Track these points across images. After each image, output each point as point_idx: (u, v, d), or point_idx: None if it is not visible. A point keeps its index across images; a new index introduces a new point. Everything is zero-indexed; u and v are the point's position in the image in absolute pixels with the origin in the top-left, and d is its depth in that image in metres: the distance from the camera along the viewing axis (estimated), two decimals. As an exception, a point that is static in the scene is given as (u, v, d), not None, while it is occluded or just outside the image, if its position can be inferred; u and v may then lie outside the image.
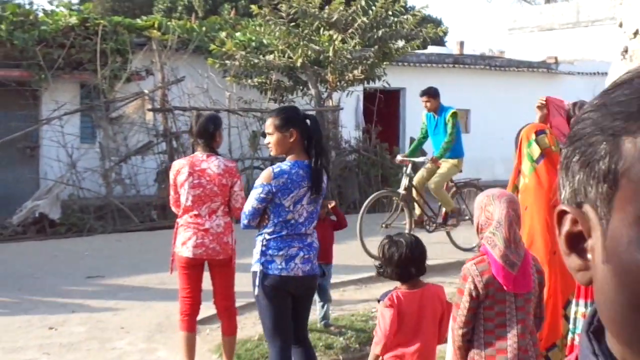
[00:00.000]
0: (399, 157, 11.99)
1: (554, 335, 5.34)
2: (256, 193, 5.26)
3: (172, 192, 6.34)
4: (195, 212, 6.20)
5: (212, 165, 6.19)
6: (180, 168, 6.24)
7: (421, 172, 11.66)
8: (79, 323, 8.14)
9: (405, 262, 4.59)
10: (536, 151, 5.80)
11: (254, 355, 6.95)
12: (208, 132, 6.24)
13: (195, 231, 6.21)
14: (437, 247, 12.14)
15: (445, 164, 11.39)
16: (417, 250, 4.65)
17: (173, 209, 6.47)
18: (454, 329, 4.23)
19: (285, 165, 5.32)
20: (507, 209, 4.20)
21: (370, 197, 11.45)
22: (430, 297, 4.69)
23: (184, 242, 6.26)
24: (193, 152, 6.53)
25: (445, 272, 10.40)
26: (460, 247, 11.55)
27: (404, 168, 11.76)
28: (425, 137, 11.80)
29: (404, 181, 11.41)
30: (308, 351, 5.71)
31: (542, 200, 5.43)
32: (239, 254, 6.54)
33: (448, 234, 11.93)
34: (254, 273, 5.35)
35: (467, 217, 11.77)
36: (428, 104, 11.39)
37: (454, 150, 11.33)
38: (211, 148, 6.28)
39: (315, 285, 5.75)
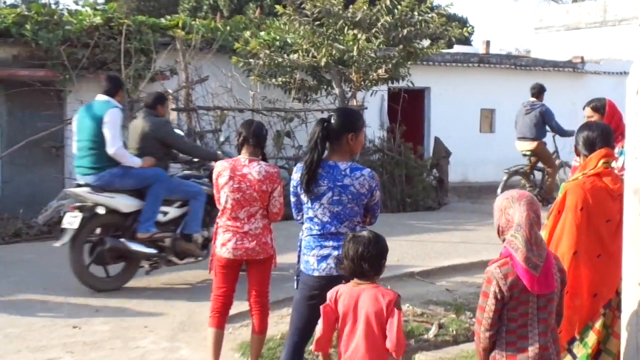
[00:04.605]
0: None
1: (572, 330, 5.33)
2: (290, 186, 5.48)
3: (214, 192, 6.50)
4: (234, 215, 6.34)
5: (253, 170, 6.30)
6: (221, 170, 6.40)
7: None
8: (103, 322, 8.15)
9: (359, 259, 4.59)
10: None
11: (276, 354, 6.92)
12: (262, 135, 6.46)
13: (235, 233, 6.34)
14: (460, 246, 12.09)
15: None
16: (373, 248, 4.60)
17: (218, 206, 6.56)
18: (480, 332, 4.27)
19: None
20: (527, 211, 4.24)
21: None
22: (366, 299, 4.56)
23: (223, 243, 6.39)
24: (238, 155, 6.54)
25: (469, 271, 10.36)
26: None
27: None
28: None
29: None
30: None
31: (579, 199, 5.35)
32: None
33: None
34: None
35: None
36: None
37: None
38: (258, 152, 6.42)
39: None
